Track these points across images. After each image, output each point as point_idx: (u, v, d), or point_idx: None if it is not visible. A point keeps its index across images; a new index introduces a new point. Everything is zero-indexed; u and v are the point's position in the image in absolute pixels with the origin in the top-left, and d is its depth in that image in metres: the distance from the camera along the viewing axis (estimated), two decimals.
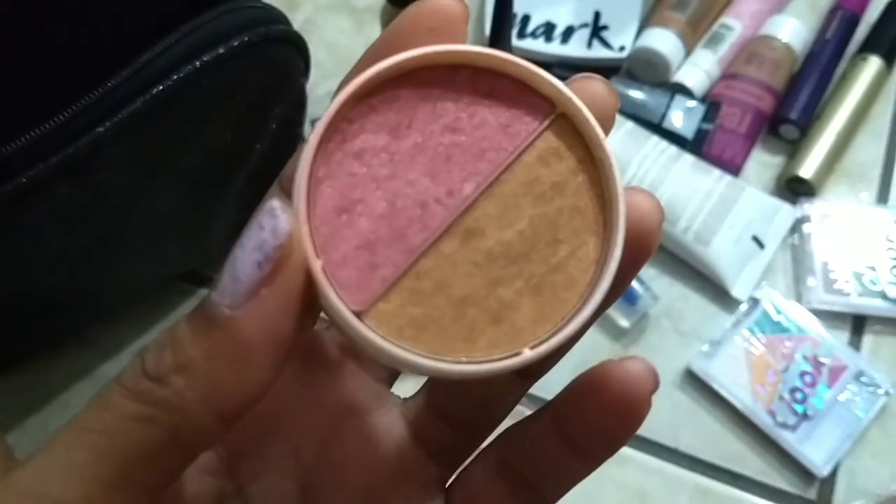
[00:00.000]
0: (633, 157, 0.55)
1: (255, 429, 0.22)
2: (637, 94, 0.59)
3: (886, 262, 0.53)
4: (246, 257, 0.15)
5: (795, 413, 0.49)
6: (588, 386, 0.18)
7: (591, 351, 0.52)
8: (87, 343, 0.52)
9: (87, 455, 0.15)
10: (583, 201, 0.18)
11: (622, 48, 0.61)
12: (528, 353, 0.17)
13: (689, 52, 0.61)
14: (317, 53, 0.46)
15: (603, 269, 0.17)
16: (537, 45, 0.62)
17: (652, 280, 0.54)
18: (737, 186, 0.55)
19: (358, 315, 0.17)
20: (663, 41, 0.60)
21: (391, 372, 0.24)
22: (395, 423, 0.22)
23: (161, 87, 0.36)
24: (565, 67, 0.60)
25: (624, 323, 0.52)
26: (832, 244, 0.54)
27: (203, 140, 0.41)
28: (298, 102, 0.47)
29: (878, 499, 0.46)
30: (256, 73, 0.41)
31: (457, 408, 0.22)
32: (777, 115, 0.59)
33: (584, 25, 0.63)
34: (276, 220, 0.16)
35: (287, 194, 0.17)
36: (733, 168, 0.57)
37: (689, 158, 0.56)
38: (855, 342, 0.52)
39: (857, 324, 0.53)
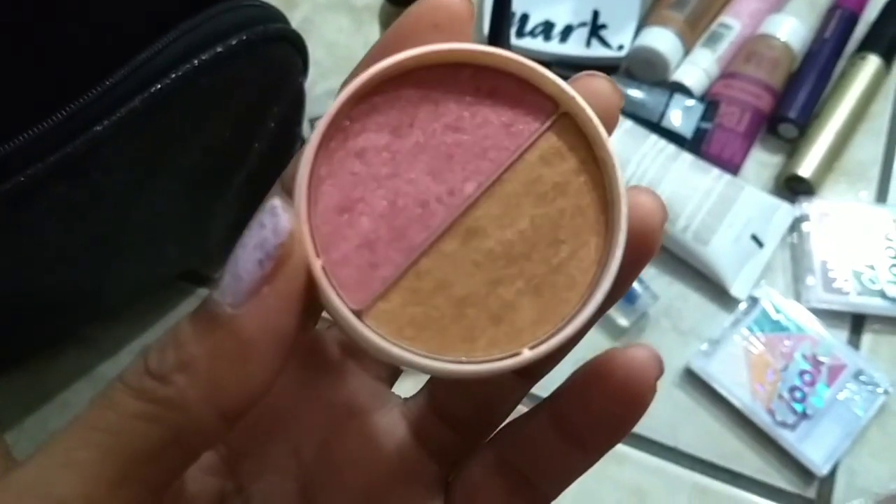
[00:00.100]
0: (632, 156, 0.55)
1: (257, 429, 0.22)
2: (636, 93, 0.59)
3: (885, 260, 0.53)
4: (247, 256, 0.15)
5: (795, 412, 0.49)
6: (592, 374, 0.18)
7: (591, 350, 0.51)
8: (87, 342, 0.52)
9: (89, 453, 0.15)
10: (585, 201, 0.18)
11: (621, 47, 0.61)
12: (527, 354, 0.17)
13: (687, 50, 0.61)
14: (315, 52, 0.46)
15: (604, 270, 0.17)
16: (536, 43, 0.63)
17: (651, 279, 0.54)
18: (736, 185, 0.55)
19: (357, 314, 0.17)
20: (662, 40, 0.60)
21: (392, 372, 0.24)
22: (396, 422, 0.22)
23: (159, 86, 0.36)
24: (564, 66, 0.60)
25: (623, 322, 0.52)
26: (831, 243, 0.54)
27: (201, 139, 0.41)
28: (297, 101, 0.47)
29: (878, 497, 0.46)
30: (255, 71, 0.41)
31: (458, 408, 0.21)
32: (776, 114, 0.59)
33: (583, 24, 0.63)
34: (276, 218, 0.16)
35: (289, 194, 0.17)
36: (732, 167, 0.57)
37: (687, 157, 0.56)
38: (854, 341, 0.52)
39: (857, 323, 0.53)
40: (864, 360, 0.50)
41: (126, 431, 0.15)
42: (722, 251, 0.53)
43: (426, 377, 0.21)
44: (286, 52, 0.42)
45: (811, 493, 0.48)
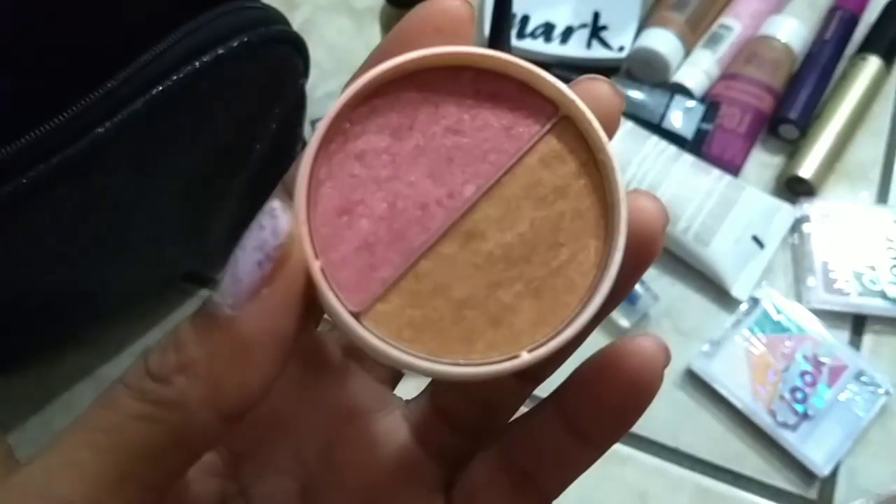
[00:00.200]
0: (633, 157, 0.55)
1: (259, 430, 0.22)
2: (636, 94, 0.59)
3: (886, 261, 0.53)
4: (247, 257, 0.16)
5: (796, 413, 0.49)
6: (601, 365, 0.18)
7: (591, 351, 0.52)
8: (88, 343, 0.52)
9: (91, 454, 0.15)
10: (585, 205, 0.18)
11: (621, 48, 0.61)
12: (525, 357, 0.17)
13: (688, 52, 0.61)
14: (316, 54, 0.46)
15: (603, 273, 0.17)
16: (536, 45, 0.63)
17: (652, 280, 0.54)
18: (736, 186, 0.55)
19: (356, 316, 0.17)
20: (662, 41, 0.60)
21: (394, 374, 0.24)
22: (398, 424, 0.22)
23: (161, 88, 0.36)
24: (564, 68, 0.60)
25: (624, 323, 0.52)
26: (832, 244, 0.54)
27: (203, 141, 0.41)
28: (298, 103, 0.47)
29: (879, 498, 0.46)
30: (256, 73, 0.41)
31: (459, 410, 0.21)
32: (776, 115, 0.59)
33: (584, 26, 0.63)
34: (276, 220, 0.16)
35: (291, 196, 0.17)
36: (733, 168, 0.57)
37: (688, 158, 0.56)
38: (855, 342, 0.52)
39: (858, 323, 0.53)
40: (865, 360, 0.50)
41: (127, 432, 0.15)
42: (723, 252, 0.53)
43: (428, 379, 0.21)
44: (287, 54, 0.42)
45: (812, 493, 0.48)
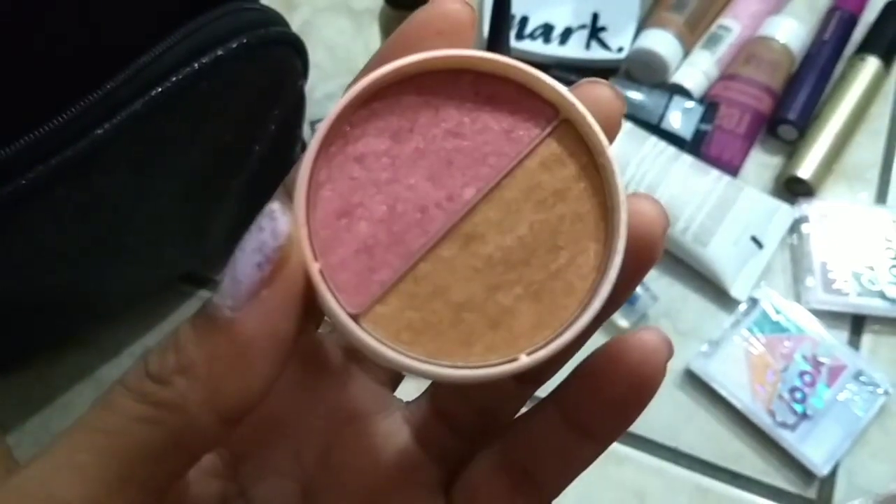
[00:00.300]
0: (632, 157, 0.55)
1: (259, 432, 0.22)
2: (635, 95, 0.59)
3: (885, 261, 0.53)
4: (246, 259, 0.16)
5: (795, 412, 0.49)
6: (603, 360, 0.18)
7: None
8: (88, 344, 0.52)
9: (90, 456, 0.15)
10: (584, 208, 0.18)
11: (620, 49, 0.61)
12: (524, 360, 0.17)
13: (687, 52, 0.61)
14: (315, 55, 0.46)
15: (603, 277, 0.17)
16: (535, 46, 0.63)
17: (651, 280, 0.54)
18: (735, 187, 0.55)
19: (355, 318, 0.17)
20: (661, 42, 0.60)
21: (394, 376, 0.24)
22: (398, 426, 0.22)
23: (160, 89, 0.36)
24: (563, 69, 0.60)
25: (623, 323, 0.52)
26: (831, 244, 0.55)
27: (202, 142, 0.41)
28: (297, 104, 0.47)
29: (878, 498, 0.47)
30: (255, 75, 0.41)
31: (459, 412, 0.22)
32: (775, 116, 0.59)
33: (583, 27, 0.63)
34: (275, 222, 0.16)
35: (292, 198, 0.17)
36: (732, 168, 0.57)
37: (687, 159, 0.56)
38: (854, 342, 0.52)
39: (856, 323, 0.53)
40: (864, 360, 0.51)
41: (127, 434, 0.15)
42: (722, 252, 0.53)
43: (428, 381, 0.21)
44: (286, 55, 0.42)
45: (811, 493, 0.48)
